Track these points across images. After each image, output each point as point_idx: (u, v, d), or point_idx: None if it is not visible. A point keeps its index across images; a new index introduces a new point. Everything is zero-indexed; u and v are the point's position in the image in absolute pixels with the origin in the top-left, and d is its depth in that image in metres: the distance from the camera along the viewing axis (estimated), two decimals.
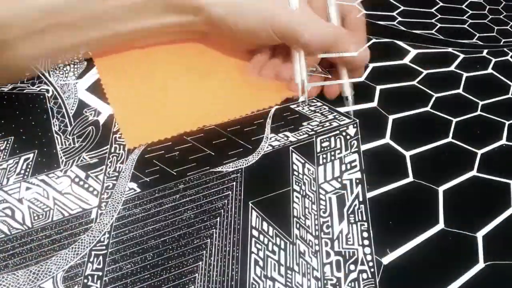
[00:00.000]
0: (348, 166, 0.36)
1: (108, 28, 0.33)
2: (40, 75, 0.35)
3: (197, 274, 0.29)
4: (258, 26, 0.34)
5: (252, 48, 0.39)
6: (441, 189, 0.36)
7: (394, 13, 0.56)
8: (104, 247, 0.29)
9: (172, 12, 0.33)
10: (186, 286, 0.28)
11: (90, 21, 0.32)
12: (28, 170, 0.31)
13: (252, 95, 0.39)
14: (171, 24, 0.34)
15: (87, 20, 0.32)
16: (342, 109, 0.39)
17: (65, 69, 0.38)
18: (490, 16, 0.62)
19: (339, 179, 0.35)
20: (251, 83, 0.39)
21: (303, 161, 0.36)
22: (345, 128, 0.39)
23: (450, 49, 0.52)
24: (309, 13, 0.35)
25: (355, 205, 0.34)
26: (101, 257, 0.29)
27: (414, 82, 0.46)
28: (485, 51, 0.54)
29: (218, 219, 0.31)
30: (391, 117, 0.41)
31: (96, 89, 0.37)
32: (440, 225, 0.34)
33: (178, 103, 0.37)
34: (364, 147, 0.38)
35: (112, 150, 0.33)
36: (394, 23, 0.54)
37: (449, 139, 0.41)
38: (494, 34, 0.58)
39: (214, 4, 0.33)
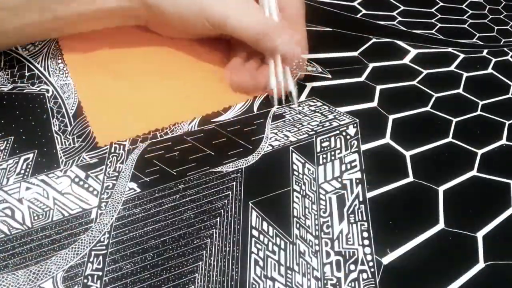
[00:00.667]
0: (348, 166, 0.36)
1: (50, 10, 0.32)
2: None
3: (197, 274, 0.29)
4: (191, 15, 0.34)
5: (196, 37, 0.40)
6: (441, 189, 0.36)
7: (394, 13, 0.56)
8: (104, 247, 0.29)
9: None
10: (186, 286, 0.28)
11: (28, 4, 0.31)
12: (28, 170, 0.31)
13: (219, 94, 0.39)
14: (108, 9, 0.34)
15: (24, 3, 0.31)
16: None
17: (65, 69, 0.38)
18: (490, 16, 0.62)
19: (339, 179, 0.35)
20: (219, 82, 0.39)
21: (303, 161, 0.36)
22: (345, 128, 0.39)
23: (450, 49, 0.52)
24: (244, 3, 0.35)
25: (355, 205, 0.34)
26: (101, 257, 0.29)
27: (414, 82, 0.46)
28: (485, 51, 0.54)
29: (218, 219, 0.31)
30: (391, 117, 0.41)
31: None
32: (440, 225, 0.34)
33: (147, 101, 0.37)
34: (364, 147, 0.38)
35: (112, 150, 0.33)
36: (394, 23, 0.54)
37: (449, 139, 0.41)
38: (494, 34, 0.58)
39: None
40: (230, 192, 0.33)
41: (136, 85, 0.38)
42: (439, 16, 0.58)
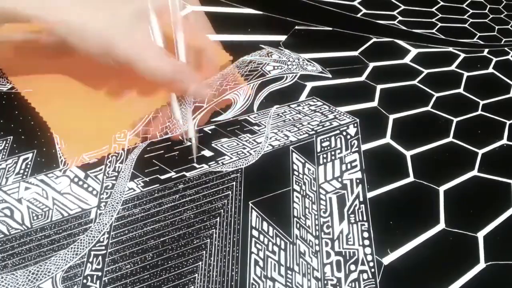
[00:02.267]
0: (349, 166, 0.36)
1: None
2: None
3: (197, 275, 0.29)
4: (97, 52, 0.32)
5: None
6: (441, 189, 0.36)
7: (395, 12, 0.56)
8: (103, 247, 0.29)
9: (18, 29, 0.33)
10: (186, 287, 0.28)
11: None
12: (27, 170, 0.31)
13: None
14: (21, 40, 0.34)
15: None
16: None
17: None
18: (491, 16, 0.61)
19: (340, 179, 0.35)
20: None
21: (303, 161, 0.36)
22: (345, 127, 0.39)
23: (450, 49, 0.52)
24: (152, 45, 0.34)
25: (356, 205, 0.34)
26: (100, 257, 0.28)
27: (415, 82, 0.46)
28: (486, 50, 0.54)
29: (218, 219, 0.31)
30: (391, 117, 0.41)
31: None
32: (441, 225, 0.34)
33: (105, 110, 0.36)
34: (364, 147, 0.37)
35: (112, 150, 0.33)
36: (395, 22, 0.54)
37: (450, 138, 0.41)
38: (495, 33, 0.58)
39: (58, 24, 0.32)
40: (230, 192, 0.33)
41: (87, 102, 0.36)
42: (440, 15, 0.58)
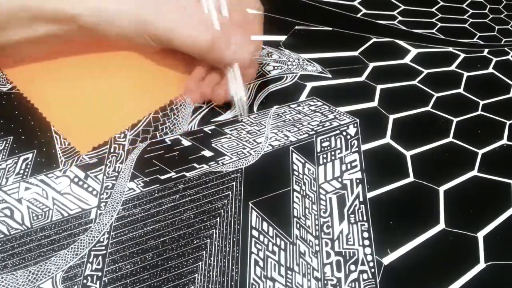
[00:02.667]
0: (349, 166, 0.36)
1: None
2: None
3: (197, 275, 0.29)
4: (132, 33, 0.32)
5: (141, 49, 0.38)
6: (441, 189, 0.36)
7: (395, 12, 0.56)
8: (103, 248, 0.29)
9: (43, 23, 0.31)
10: (186, 287, 0.28)
11: None
12: (27, 170, 0.31)
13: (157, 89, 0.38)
14: (45, 34, 0.32)
15: None
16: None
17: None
18: (491, 16, 0.61)
19: (340, 179, 0.35)
20: (154, 78, 0.38)
21: (303, 161, 0.36)
22: (345, 127, 0.39)
23: (450, 49, 0.52)
24: (186, 17, 0.33)
25: (356, 205, 0.34)
26: (100, 258, 0.28)
27: (415, 82, 0.46)
28: (486, 50, 0.54)
29: (218, 219, 0.31)
30: (391, 117, 0.41)
31: None
32: (441, 225, 0.34)
33: (109, 102, 0.36)
34: (364, 147, 0.37)
35: (112, 150, 0.33)
36: (395, 22, 0.54)
37: (450, 138, 0.41)
38: (495, 33, 0.58)
39: (84, 14, 0.31)
40: (230, 192, 0.33)
41: (92, 89, 0.36)
42: (440, 15, 0.58)
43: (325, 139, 0.37)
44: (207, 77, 0.37)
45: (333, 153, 0.37)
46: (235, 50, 0.34)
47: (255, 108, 0.39)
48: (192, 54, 0.34)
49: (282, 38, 0.45)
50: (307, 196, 0.34)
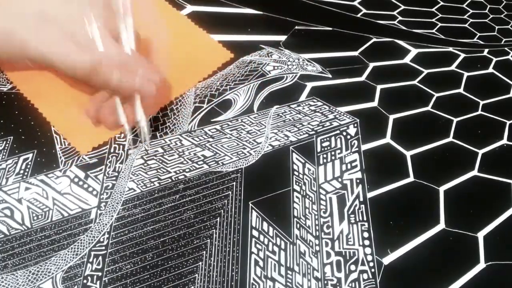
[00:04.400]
0: (349, 166, 0.36)
1: None
2: None
3: (197, 275, 0.29)
4: (12, 54, 0.30)
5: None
6: (442, 189, 0.36)
7: (395, 12, 0.56)
8: (103, 248, 0.29)
9: None
10: (186, 287, 0.28)
11: None
12: (27, 170, 0.31)
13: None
14: None
15: None
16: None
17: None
18: (491, 16, 0.61)
19: (340, 179, 0.35)
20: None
21: (303, 161, 0.36)
22: (345, 127, 0.39)
23: (450, 49, 0.52)
24: (68, 38, 0.30)
25: (356, 205, 0.34)
26: (100, 258, 0.28)
27: (415, 82, 0.46)
28: (486, 50, 0.54)
29: (218, 219, 0.31)
30: (391, 117, 0.41)
31: None
32: (441, 225, 0.34)
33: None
34: (364, 147, 0.37)
35: (112, 150, 0.33)
36: (395, 22, 0.54)
37: (450, 138, 0.41)
38: (495, 33, 0.58)
39: None
40: (230, 192, 0.33)
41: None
42: (440, 15, 0.58)
43: (325, 139, 0.37)
44: (107, 102, 0.33)
45: (333, 153, 0.37)
46: (119, 77, 0.31)
47: (255, 108, 0.39)
48: (75, 75, 0.31)
49: (282, 38, 0.45)
50: (307, 196, 0.34)
